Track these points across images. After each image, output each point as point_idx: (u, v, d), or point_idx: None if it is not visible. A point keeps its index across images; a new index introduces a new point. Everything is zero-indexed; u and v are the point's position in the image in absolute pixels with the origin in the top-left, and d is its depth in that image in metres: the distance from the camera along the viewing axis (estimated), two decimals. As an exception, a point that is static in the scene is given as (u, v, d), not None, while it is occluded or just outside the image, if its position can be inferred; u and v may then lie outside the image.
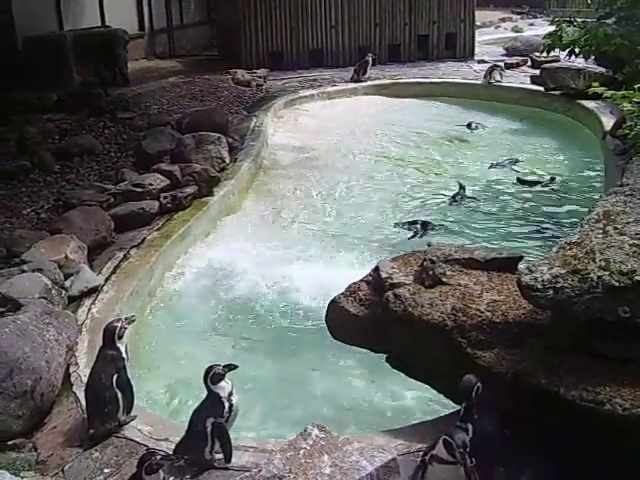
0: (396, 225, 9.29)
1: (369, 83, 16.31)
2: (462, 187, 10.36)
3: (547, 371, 4.13)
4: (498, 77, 15.52)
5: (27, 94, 12.47)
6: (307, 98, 15.41)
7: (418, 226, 9.13)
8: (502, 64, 16.31)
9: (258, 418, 5.65)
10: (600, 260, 4.21)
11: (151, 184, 9.02)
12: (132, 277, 7.25)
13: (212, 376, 4.56)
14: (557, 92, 14.00)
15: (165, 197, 8.95)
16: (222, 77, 16.20)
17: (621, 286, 4.03)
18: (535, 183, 10.78)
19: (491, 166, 11.50)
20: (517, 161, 11.60)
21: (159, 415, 5.55)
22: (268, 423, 5.63)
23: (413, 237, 8.87)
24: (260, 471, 4.12)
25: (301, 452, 4.23)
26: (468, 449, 3.72)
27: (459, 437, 3.78)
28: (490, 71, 15.66)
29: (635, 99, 9.52)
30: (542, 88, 14.38)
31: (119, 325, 5.09)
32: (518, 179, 10.89)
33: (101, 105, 12.90)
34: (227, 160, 10.53)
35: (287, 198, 10.40)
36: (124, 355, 5.06)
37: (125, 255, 7.72)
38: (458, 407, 4.45)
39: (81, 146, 10.95)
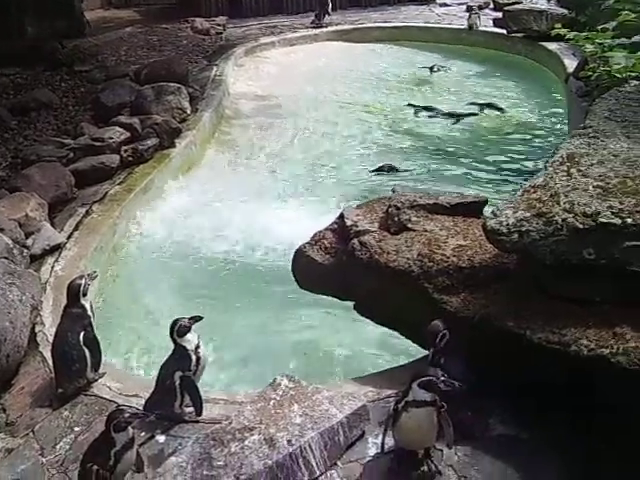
0: (367, 172, 9.27)
1: (330, 29, 16.07)
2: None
3: (513, 315, 4.16)
4: (478, 22, 15.18)
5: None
6: (268, 45, 15.15)
7: (385, 170, 9.15)
8: (476, 7, 15.95)
9: (227, 369, 5.65)
10: (564, 203, 4.22)
11: (111, 137, 8.87)
12: (95, 233, 7.16)
13: (178, 329, 4.53)
14: (520, 34, 13.91)
15: (126, 150, 8.82)
16: (180, 26, 15.87)
17: (585, 228, 4.04)
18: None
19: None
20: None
21: (128, 371, 5.53)
22: (237, 374, 5.63)
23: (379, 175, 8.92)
24: (231, 423, 4.14)
25: (271, 403, 4.25)
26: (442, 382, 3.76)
27: (433, 373, 3.81)
28: (469, 16, 15.33)
29: (597, 40, 9.49)
30: (505, 31, 14.27)
31: (83, 282, 5.02)
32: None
33: (57, 58, 12.57)
34: (188, 111, 10.36)
35: (250, 147, 10.30)
36: (89, 312, 5.02)
37: (87, 211, 7.62)
38: (426, 353, 4.49)
39: (38, 101, 10.65)
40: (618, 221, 4.04)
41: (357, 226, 5.14)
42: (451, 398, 3.85)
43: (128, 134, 9.09)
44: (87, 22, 14.88)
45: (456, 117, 11.07)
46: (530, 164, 9.11)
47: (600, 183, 4.39)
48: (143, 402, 4.63)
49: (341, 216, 5.36)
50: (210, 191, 8.78)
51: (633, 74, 7.97)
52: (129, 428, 3.95)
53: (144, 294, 6.76)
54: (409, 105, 11.66)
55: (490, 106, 11.44)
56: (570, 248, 4.05)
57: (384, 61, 14.60)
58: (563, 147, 5.00)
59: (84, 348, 4.91)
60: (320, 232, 5.36)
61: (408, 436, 3.95)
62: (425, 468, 3.99)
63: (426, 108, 11.49)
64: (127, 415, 3.96)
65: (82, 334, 4.90)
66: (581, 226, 4.05)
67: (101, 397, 4.90)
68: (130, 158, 8.79)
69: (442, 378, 3.78)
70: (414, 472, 3.99)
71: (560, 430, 4.05)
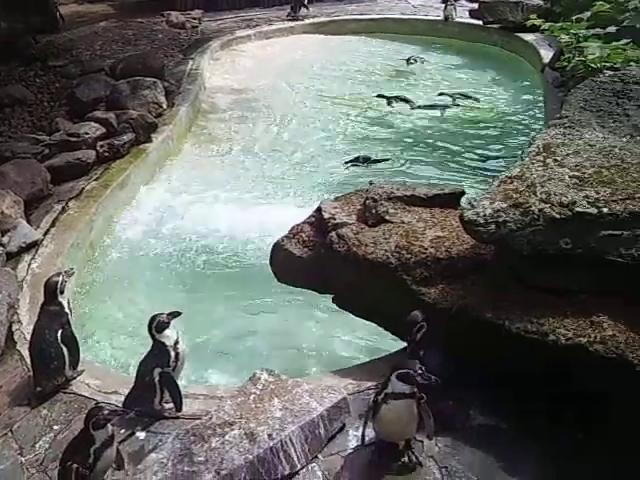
0: (342, 163, 9.26)
1: (306, 22, 16.02)
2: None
3: (491, 305, 4.19)
4: (454, 13, 15.15)
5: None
6: (244, 39, 15.07)
7: (360, 162, 9.17)
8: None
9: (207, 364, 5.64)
10: (541, 193, 4.24)
11: (87, 133, 8.79)
12: (72, 229, 7.10)
13: (156, 325, 4.51)
14: (495, 25, 13.94)
15: (102, 146, 8.74)
16: (155, 20, 15.74)
17: (562, 218, 4.08)
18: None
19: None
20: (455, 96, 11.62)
21: (107, 368, 5.50)
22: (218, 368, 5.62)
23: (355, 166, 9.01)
24: (211, 418, 4.13)
25: (251, 397, 4.25)
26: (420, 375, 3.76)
27: (411, 365, 3.81)
28: (445, 7, 15.29)
29: (572, 31, 9.56)
30: (480, 22, 14.29)
31: (60, 279, 4.98)
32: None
33: (31, 53, 12.43)
34: (164, 105, 10.28)
35: (227, 141, 10.24)
36: (67, 310, 4.98)
37: (63, 207, 7.55)
38: (405, 344, 4.51)
39: (12, 97, 10.51)
40: (594, 210, 4.08)
41: (335, 219, 5.13)
42: (431, 389, 3.86)
43: (104, 129, 9.02)
44: (61, 17, 14.72)
45: (429, 107, 11.13)
46: (507, 155, 9.13)
47: (576, 173, 4.42)
48: (122, 399, 4.61)
49: (318, 209, 5.35)
50: (187, 185, 8.73)
51: (608, 64, 8.04)
52: (108, 425, 3.93)
53: (123, 290, 6.72)
54: (379, 96, 11.66)
55: (463, 96, 11.47)
56: (547, 238, 4.08)
57: (361, 53, 14.57)
58: (539, 137, 5.03)
59: (62, 346, 4.88)
60: (298, 225, 5.35)
61: (388, 428, 3.96)
62: (406, 459, 4.01)
63: (397, 98, 11.50)
64: (106, 412, 3.93)
65: (60, 332, 4.87)
66: (557, 216, 4.08)
67: (80, 395, 4.87)
68: (106, 154, 8.71)
69: (419, 371, 3.78)
70: (395, 464, 4.01)
71: (539, 420, 4.08)
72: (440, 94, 11.63)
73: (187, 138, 10.36)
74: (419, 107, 11.17)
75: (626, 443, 3.77)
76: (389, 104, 11.36)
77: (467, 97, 11.45)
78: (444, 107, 11.12)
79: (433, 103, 11.30)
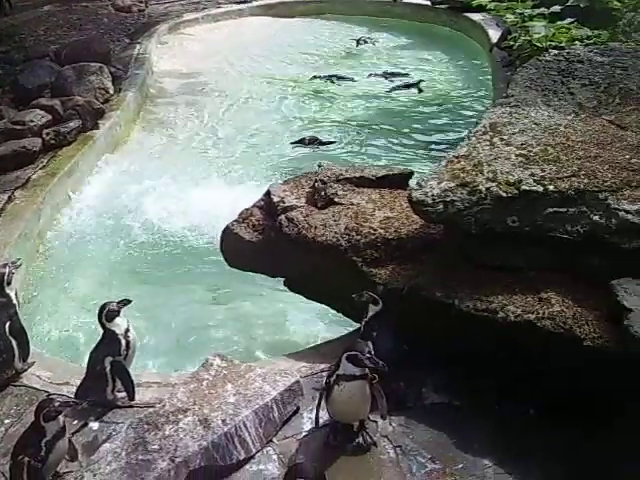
0: (290, 144, 9.27)
1: (255, 4, 15.89)
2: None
3: (441, 284, 4.22)
4: None
5: None
6: (191, 22, 14.93)
7: (306, 143, 9.22)
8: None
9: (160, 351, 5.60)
10: (488, 172, 4.29)
11: (32, 120, 8.62)
12: (19, 219, 6.96)
13: (106, 313, 4.46)
14: (444, 6, 13.99)
15: (48, 133, 8.59)
16: (101, 3, 15.52)
17: (509, 196, 4.13)
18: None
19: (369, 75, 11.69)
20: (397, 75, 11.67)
21: (58, 359, 5.41)
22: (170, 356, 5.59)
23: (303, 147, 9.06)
24: (164, 406, 4.10)
25: (204, 383, 4.23)
26: (370, 357, 3.77)
27: (361, 347, 3.82)
28: None
29: (518, 10, 9.65)
30: (429, 2, 14.33)
31: (6, 271, 4.88)
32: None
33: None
34: (111, 91, 10.13)
35: (177, 126, 10.16)
36: (15, 301, 4.89)
37: (10, 197, 7.40)
38: (358, 326, 4.52)
39: (-47, 85, 10.32)
40: (540, 188, 4.13)
41: (284, 202, 5.12)
42: (381, 371, 3.88)
43: (49, 116, 8.85)
44: (8, 2, 14.42)
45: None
46: (455, 135, 9.18)
47: (522, 151, 4.47)
48: (74, 390, 4.55)
49: (268, 193, 5.33)
50: (136, 171, 8.62)
51: (553, 43, 8.14)
52: (60, 417, 3.87)
53: (73, 279, 6.63)
54: (314, 77, 11.69)
55: (338, 78, 11.63)
56: (494, 216, 4.12)
57: (310, 35, 14.52)
58: (486, 117, 5.07)
59: (10, 338, 4.79)
60: (247, 209, 5.32)
61: (341, 409, 3.97)
62: (360, 440, 4.04)
63: (332, 77, 11.60)
64: (57, 404, 3.87)
65: (8, 324, 4.77)
66: (504, 194, 4.13)
67: (31, 387, 4.79)
68: (52, 141, 8.57)
69: (368, 354, 3.78)
70: (349, 444, 4.03)
71: (490, 397, 4.14)
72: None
73: (136, 124, 10.23)
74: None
75: (576, 419, 3.84)
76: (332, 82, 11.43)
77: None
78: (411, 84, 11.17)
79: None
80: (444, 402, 4.26)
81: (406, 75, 11.59)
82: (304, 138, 9.29)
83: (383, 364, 3.75)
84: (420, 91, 10.89)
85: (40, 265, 6.84)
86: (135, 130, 10.04)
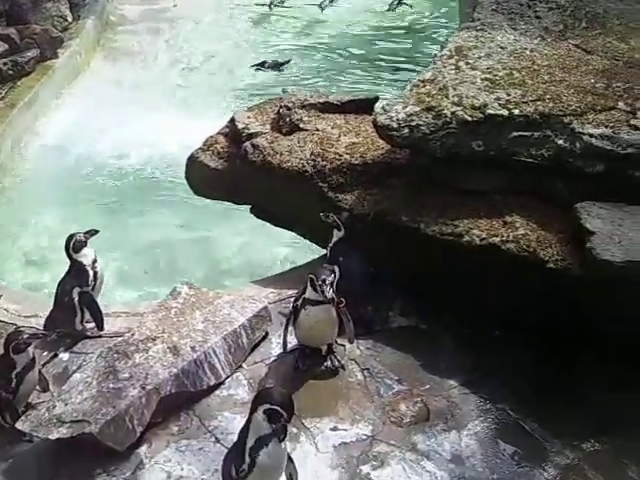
0: (251, 67, 9.20)
1: None
2: None
3: (407, 209, 4.24)
4: None
5: None
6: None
7: (265, 66, 9.18)
8: None
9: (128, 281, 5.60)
10: (453, 96, 4.27)
11: (-13, 51, 8.38)
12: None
13: (73, 244, 4.42)
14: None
15: (5, 63, 8.35)
16: None
17: (474, 120, 4.13)
18: None
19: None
20: None
21: (25, 291, 5.40)
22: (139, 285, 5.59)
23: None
24: (133, 335, 4.11)
25: (172, 311, 4.24)
26: (329, 283, 3.78)
27: (320, 274, 3.84)
28: None
29: None
30: None
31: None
32: None
33: None
34: (69, 19, 9.79)
35: (138, 55, 9.90)
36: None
37: (-32, 130, 7.24)
38: (324, 251, 4.55)
39: None
40: (505, 112, 4.14)
41: (249, 129, 5.06)
42: (349, 293, 3.92)
43: (6, 46, 8.54)
44: None
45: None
46: (421, 59, 9.07)
47: (488, 75, 4.45)
48: (43, 322, 4.53)
49: (232, 120, 5.26)
50: (97, 101, 8.43)
51: (519, -36, 7.99)
52: (29, 349, 3.86)
53: (36, 213, 6.55)
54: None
55: None
56: (460, 141, 4.13)
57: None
58: (451, 41, 5.01)
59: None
60: (212, 137, 5.25)
61: (308, 333, 4.01)
62: (328, 363, 4.09)
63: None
64: (26, 336, 3.86)
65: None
66: (469, 119, 4.12)
67: (-1, 320, 4.77)
68: (10, 72, 8.34)
69: (323, 279, 3.79)
70: (318, 368, 4.09)
71: (456, 319, 4.21)
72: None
73: (96, 52, 9.95)
74: None
75: (542, 336, 3.93)
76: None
77: None
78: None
79: None
80: (411, 325, 4.34)
81: None
82: (264, 61, 9.22)
83: (341, 299, 3.80)
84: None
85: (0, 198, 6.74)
86: (95, 59, 9.77)
